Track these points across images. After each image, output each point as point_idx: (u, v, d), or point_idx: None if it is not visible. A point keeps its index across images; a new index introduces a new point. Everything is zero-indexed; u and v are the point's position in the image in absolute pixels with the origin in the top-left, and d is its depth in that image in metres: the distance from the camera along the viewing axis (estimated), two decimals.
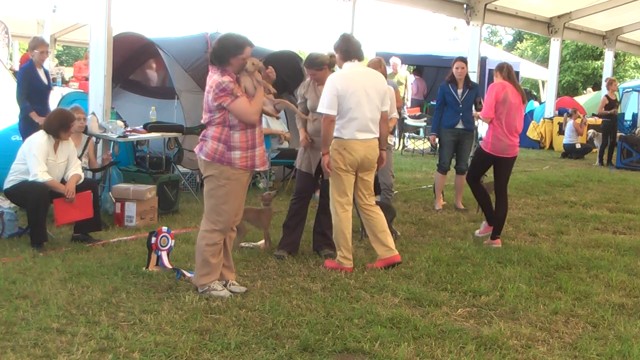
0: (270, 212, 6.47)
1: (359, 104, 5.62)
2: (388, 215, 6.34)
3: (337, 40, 5.82)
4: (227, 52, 4.82)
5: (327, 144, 5.66)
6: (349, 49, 5.74)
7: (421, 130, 16.08)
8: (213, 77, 4.82)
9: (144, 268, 5.47)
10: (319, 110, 5.67)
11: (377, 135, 5.80)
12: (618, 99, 16.79)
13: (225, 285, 5.02)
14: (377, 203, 6.16)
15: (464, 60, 8.61)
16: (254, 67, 4.88)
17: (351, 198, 5.79)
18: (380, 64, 7.13)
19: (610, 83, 15.60)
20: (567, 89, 32.86)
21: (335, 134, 5.66)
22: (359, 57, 5.79)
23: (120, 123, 8.16)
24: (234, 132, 4.85)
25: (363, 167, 5.77)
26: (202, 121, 4.99)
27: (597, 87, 24.50)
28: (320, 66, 6.02)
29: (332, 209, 5.78)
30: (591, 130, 16.49)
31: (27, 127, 7.47)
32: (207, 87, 4.87)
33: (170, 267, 5.53)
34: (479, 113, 7.42)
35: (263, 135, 5.10)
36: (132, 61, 10.86)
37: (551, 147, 18.77)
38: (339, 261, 5.75)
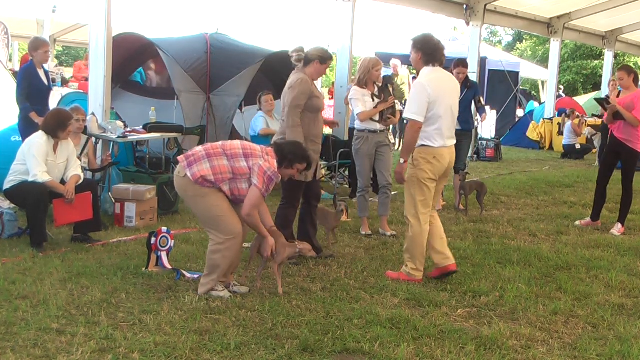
0: (339, 217, 6.55)
1: (448, 110, 5.39)
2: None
3: (420, 39, 5.47)
4: (292, 155, 4.98)
5: (409, 152, 5.35)
6: (434, 53, 5.41)
7: None
8: (272, 161, 4.86)
9: (143, 268, 5.47)
10: (406, 115, 5.32)
11: (455, 140, 5.61)
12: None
13: (227, 287, 5.02)
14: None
15: (465, 65, 8.64)
16: None
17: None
18: (378, 64, 7.18)
19: (609, 83, 15.68)
20: (567, 89, 32.87)
21: (421, 142, 5.34)
22: (441, 62, 5.47)
23: (119, 123, 8.16)
24: (227, 183, 4.84)
25: (445, 174, 5.54)
26: (225, 147, 4.91)
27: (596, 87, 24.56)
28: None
29: (413, 221, 5.45)
30: (588, 129, 16.47)
31: (26, 128, 7.46)
32: (265, 151, 4.89)
33: (170, 267, 5.53)
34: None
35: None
36: (132, 61, 10.88)
37: (551, 148, 18.77)
38: (409, 273, 5.47)
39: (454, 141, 5.58)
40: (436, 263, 5.56)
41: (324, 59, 5.93)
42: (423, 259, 5.49)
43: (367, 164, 7.26)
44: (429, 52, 5.40)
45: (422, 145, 5.36)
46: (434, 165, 5.38)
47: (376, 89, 7.32)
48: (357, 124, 7.32)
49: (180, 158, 4.97)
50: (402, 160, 5.39)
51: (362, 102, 7.17)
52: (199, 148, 4.96)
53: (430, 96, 5.27)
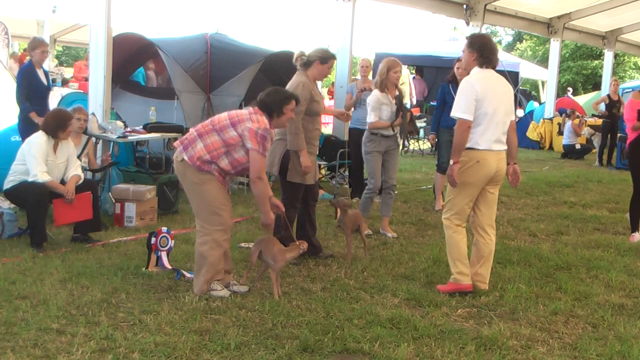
0: (355, 217, 6.29)
1: (496, 110, 5.12)
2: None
3: (478, 40, 5.30)
4: (279, 104, 4.95)
5: (460, 152, 5.07)
6: (490, 57, 5.20)
7: (421, 130, 16.09)
8: (263, 118, 4.85)
9: (143, 268, 5.47)
10: (455, 114, 5.08)
11: (506, 147, 5.29)
12: (623, 101, 16.79)
13: (226, 287, 5.02)
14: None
15: None
16: None
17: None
18: (396, 65, 7.16)
19: (610, 83, 15.71)
20: (567, 89, 32.87)
21: (468, 144, 5.10)
22: (494, 66, 5.26)
23: (120, 123, 8.17)
24: (224, 158, 4.85)
25: (494, 180, 5.25)
26: (214, 122, 4.91)
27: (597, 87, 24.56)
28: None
29: (445, 223, 5.25)
30: (587, 129, 16.46)
31: (26, 128, 7.47)
32: (252, 116, 4.84)
33: (170, 267, 5.53)
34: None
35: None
36: (132, 61, 10.87)
37: (551, 148, 18.78)
38: (455, 279, 5.20)
39: (504, 147, 5.26)
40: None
41: (325, 58, 5.89)
42: (466, 261, 5.22)
43: (379, 165, 7.22)
44: (485, 54, 5.19)
45: (466, 148, 5.10)
46: (477, 169, 5.09)
47: (397, 92, 7.24)
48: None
49: (176, 143, 5.00)
50: (452, 162, 5.10)
51: (377, 111, 7.09)
52: (192, 129, 4.99)
53: (478, 94, 5.05)
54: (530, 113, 20.84)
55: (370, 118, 7.12)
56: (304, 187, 5.93)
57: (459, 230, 5.24)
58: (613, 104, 15.01)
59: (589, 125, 17.22)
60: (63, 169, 6.39)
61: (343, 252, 6.32)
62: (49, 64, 13.52)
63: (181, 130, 8.80)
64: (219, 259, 4.93)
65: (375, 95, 7.15)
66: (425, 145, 15.73)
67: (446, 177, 5.27)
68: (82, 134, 7.52)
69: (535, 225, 7.96)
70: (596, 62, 32.56)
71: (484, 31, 19.76)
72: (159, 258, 5.57)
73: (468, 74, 5.32)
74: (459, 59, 8.62)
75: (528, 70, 24.09)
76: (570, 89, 27.16)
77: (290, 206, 5.89)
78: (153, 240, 5.56)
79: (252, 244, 6.31)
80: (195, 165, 4.82)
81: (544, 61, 25.05)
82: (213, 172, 4.86)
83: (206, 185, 4.85)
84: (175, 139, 8.96)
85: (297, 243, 5.17)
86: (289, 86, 5.82)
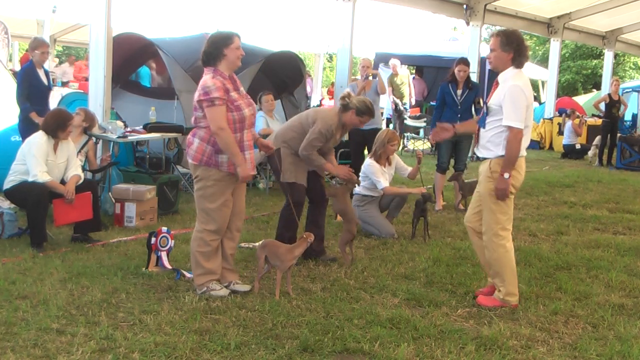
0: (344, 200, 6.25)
1: (531, 116, 4.95)
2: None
3: (516, 37, 4.96)
4: (217, 46, 4.84)
5: (514, 164, 4.83)
6: (522, 60, 4.97)
7: (421, 130, 16.09)
8: (204, 77, 4.85)
9: (143, 268, 5.47)
10: (510, 124, 4.76)
11: None
12: (625, 102, 16.80)
13: (227, 286, 5.02)
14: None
15: (466, 63, 8.59)
16: None
17: None
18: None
19: (611, 83, 15.72)
20: (567, 89, 32.86)
21: (504, 151, 4.82)
22: (521, 67, 5.04)
23: (120, 123, 8.17)
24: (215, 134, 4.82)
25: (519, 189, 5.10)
26: (192, 121, 4.98)
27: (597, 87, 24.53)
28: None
29: (497, 241, 4.89)
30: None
31: (26, 128, 7.47)
32: (197, 87, 4.87)
33: (170, 267, 5.53)
34: None
35: (252, 140, 5.04)
36: (132, 61, 10.87)
37: (551, 148, 18.78)
38: (503, 299, 4.94)
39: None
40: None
41: (361, 112, 5.86)
42: (515, 280, 4.99)
43: (380, 215, 7.25)
44: (524, 53, 4.92)
45: (504, 156, 4.83)
46: (516, 177, 4.89)
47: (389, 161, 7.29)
48: (361, 190, 7.13)
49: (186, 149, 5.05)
50: (507, 175, 4.80)
51: (381, 173, 7.07)
52: (189, 136, 5.03)
53: (527, 100, 4.84)
54: None
55: (381, 184, 7.02)
56: (304, 188, 5.94)
57: (511, 247, 4.96)
58: (613, 104, 15.01)
59: (589, 127, 17.23)
60: (63, 169, 6.39)
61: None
62: (50, 63, 13.52)
63: (181, 130, 8.80)
64: (208, 256, 4.94)
65: (373, 165, 7.11)
66: (425, 145, 15.73)
67: (489, 192, 4.90)
68: (83, 134, 7.52)
69: (535, 225, 7.96)
70: (596, 61, 32.54)
71: (484, 31, 19.77)
72: (159, 258, 5.57)
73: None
74: (459, 61, 8.61)
75: (528, 70, 24.03)
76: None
77: (296, 207, 5.84)
78: (153, 240, 5.56)
79: (252, 244, 6.36)
80: (202, 163, 4.84)
81: (544, 61, 25.06)
82: (222, 165, 4.84)
83: (211, 188, 4.87)
84: (176, 139, 9.04)
85: (304, 236, 5.13)
86: (321, 119, 5.84)
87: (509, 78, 4.90)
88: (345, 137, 10.20)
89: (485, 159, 4.97)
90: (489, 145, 4.92)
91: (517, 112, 4.77)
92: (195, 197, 5.02)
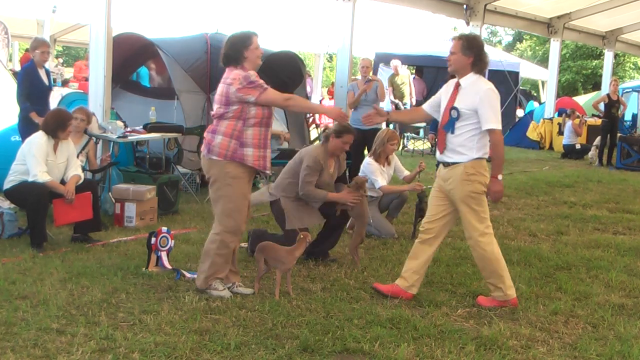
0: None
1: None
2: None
3: (477, 42, 4.93)
4: (237, 48, 4.84)
5: (503, 163, 4.89)
6: (482, 66, 4.91)
7: (421, 130, 16.09)
8: (234, 71, 4.81)
9: (143, 268, 5.47)
10: (493, 126, 4.77)
11: None
12: (625, 103, 16.79)
13: (230, 288, 5.02)
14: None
15: None
16: None
17: None
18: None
19: (610, 83, 15.72)
20: (567, 88, 32.90)
21: (478, 154, 4.84)
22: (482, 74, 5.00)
23: (120, 123, 8.17)
24: (247, 128, 4.82)
25: None
26: (213, 114, 4.92)
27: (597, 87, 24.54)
28: None
29: (482, 239, 4.91)
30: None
31: (26, 128, 7.47)
32: (227, 80, 4.81)
33: (170, 267, 5.53)
34: None
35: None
36: (132, 61, 10.87)
37: (551, 148, 18.78)
38: (507, 294, 4.94)
39: None
40: (398, 283, 5.07)
41: (338, 132, 5.92)
42: (507, 273, 5.00)
43: (381, 217, 7.28)
44: (484, 59, 4.89)
45: (479, 159, 4.85)
46: (486, 177, 4.89)
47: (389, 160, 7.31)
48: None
49: (202, 148, 4.99)
50: (500, 177, 4.82)
51: (380, 172, 7.09)
52: (205, 134, 4.99)
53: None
54: (531, 113, 20.84)
55: (378, 183, 7.03)
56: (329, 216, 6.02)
57: (496, 241, 5.00)
58: (612, 104, 15.01)
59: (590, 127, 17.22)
60: (63, 169, 6.39)
61: (343, 252, 6.32)
62: (50, 63, 13.51)
63: (181, 130, 8.80)
64: (225, 259, 4.94)
65: (372, 164, 7.12)
66: (425, 145, 15.74)
67: (485, 194, 4.89)
68: (83, 134, 7.52)
69: (535, 225, 7.96)
70: (596, 62, 32.57)
71: (484, 31, 19.76)
72: (159, 258, 5.57)
73: (452, 77, 5.12)
74: None
75: (528, 70, 24.10)
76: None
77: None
78: (153, 240, 5.56)
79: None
80: (227, 157, 4.80)
81: (544, 61, 25.06)
82: (247, 158, 4.82)
83: (230, 187, 4.84)
84: (176, 139, 9.04)
85: (302, 236, 5.11)
86: (307, 156, 5.91)
87: (476, 82, 4.87)
88: None
89: (455, 163, 4.90)
90: (461, 149, 4.87)
91: (496, 114, 4.81)
92: (213, 201, 4.98)
